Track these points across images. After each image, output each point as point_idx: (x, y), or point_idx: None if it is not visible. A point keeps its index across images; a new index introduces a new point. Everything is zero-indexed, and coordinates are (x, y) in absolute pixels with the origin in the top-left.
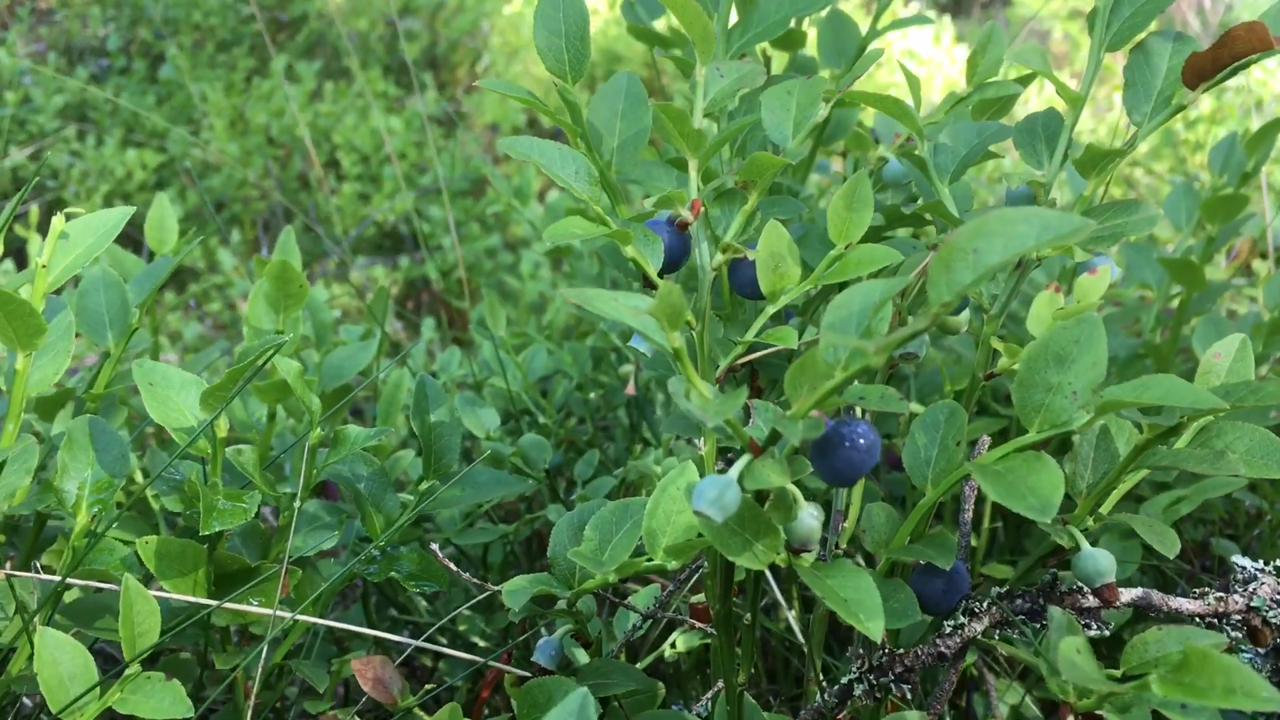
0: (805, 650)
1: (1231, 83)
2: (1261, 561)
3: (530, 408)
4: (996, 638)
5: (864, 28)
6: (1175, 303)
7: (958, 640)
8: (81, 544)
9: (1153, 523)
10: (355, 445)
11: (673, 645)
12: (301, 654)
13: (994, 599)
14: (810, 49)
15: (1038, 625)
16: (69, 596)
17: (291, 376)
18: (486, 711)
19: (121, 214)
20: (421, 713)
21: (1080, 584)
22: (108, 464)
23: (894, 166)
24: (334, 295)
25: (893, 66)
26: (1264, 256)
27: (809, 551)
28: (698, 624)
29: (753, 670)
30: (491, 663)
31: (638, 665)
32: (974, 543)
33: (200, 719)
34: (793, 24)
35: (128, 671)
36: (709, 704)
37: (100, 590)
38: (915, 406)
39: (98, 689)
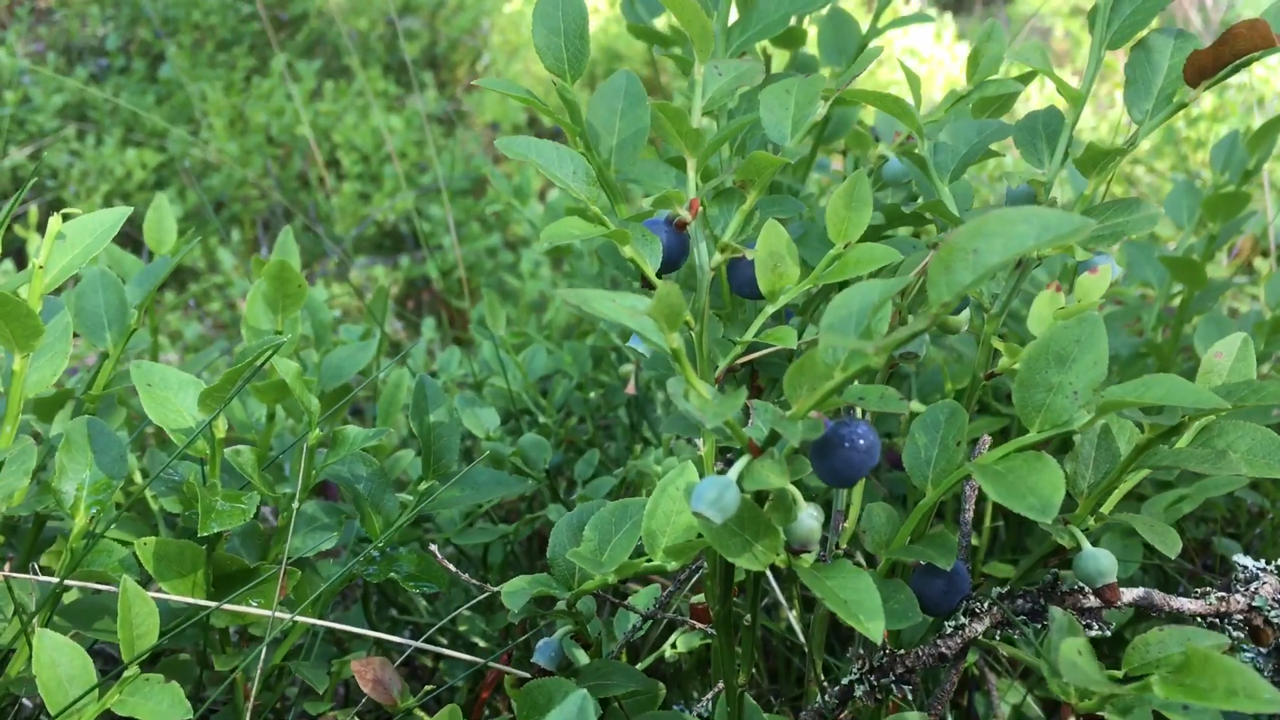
0: (806, 650)
1: (1233, 80)
2: (1263, 561)
3: (530, 407)
4: (998, 638)
5: (865, 26)
6: (1177, 301)
7: (959, 641)
8: (80, 545)
9: (1154, 522)
10: (354, 446)
11: (673, 645)
12: (301, 655)
13: (995, 599)
14: (811, 47)
15: (1039, 625)
16: (68, 598)
17: (290, 377)
18: (487, 712)
19: (118, 214)
20: (422, 713)
21: (1081, 584)
22: (106, 465)
23: (894, 165)
24: (334, 295)
25: (894, 64)
26: (1266, 254)
27: (809, 552)
28: (698, 624)
29: (754, 670)
30: (491, 664)
31: (638, 666)
32: (975, 541)
33: None
34: (793, 22)
35: (126, 673)
36: (709, 704)
37: (99, 592)
38: (916, 406)
39: (96, 691)
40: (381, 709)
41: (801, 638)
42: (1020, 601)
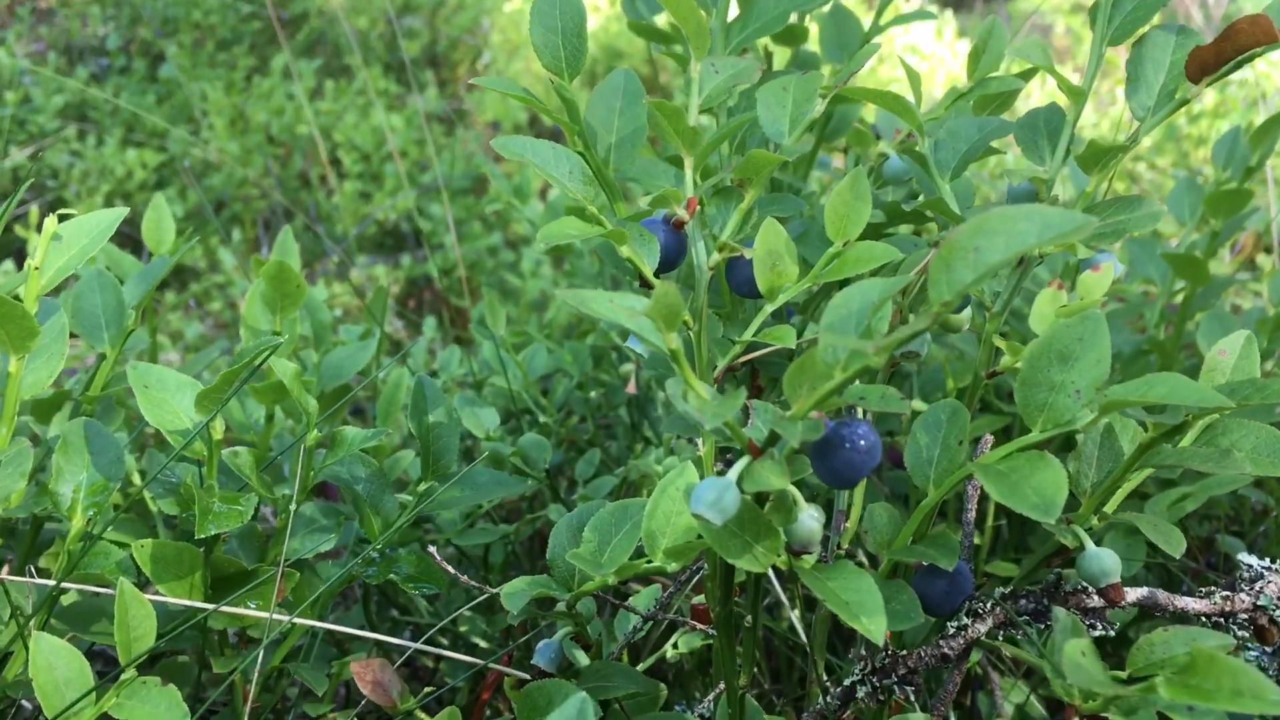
0: (808, 650)
1: (1234, 76)
2: (1268, 559)
3: (531, 407)
4: (1001, 639)
5: (867, 23)
6: (1179, 298)
7: (961, 641)
8: (77, 547)
9: (1158, 522)
10: (353, 446)
11: (674, 646)
12: (301, 656)
13: (998, 600)
14: (813, 44)
15: (1042, 626)
16: (65, 600)
17: (288, 377)
18: (487, 713)
19: (115, 215)
20: (422, 714)
21: (1085, 584)
22: (103, 467)
23: (895, 163)
24: (334, 294)
25: (895, 62)
26: (1268, 251)
27: (810, 553)
28: (699, 625)
29: (756, 671)
30: (492, 665)
31: (639, 667)
32: (977, 541)
33: None
34: (793, 19)
35: (124, 676)
36: (711, 705)
37: (97, 594)
38: (917, 405)
39: (93, 694)
40: (382, 710)
41: (803, 638)
42: (1023, 602)
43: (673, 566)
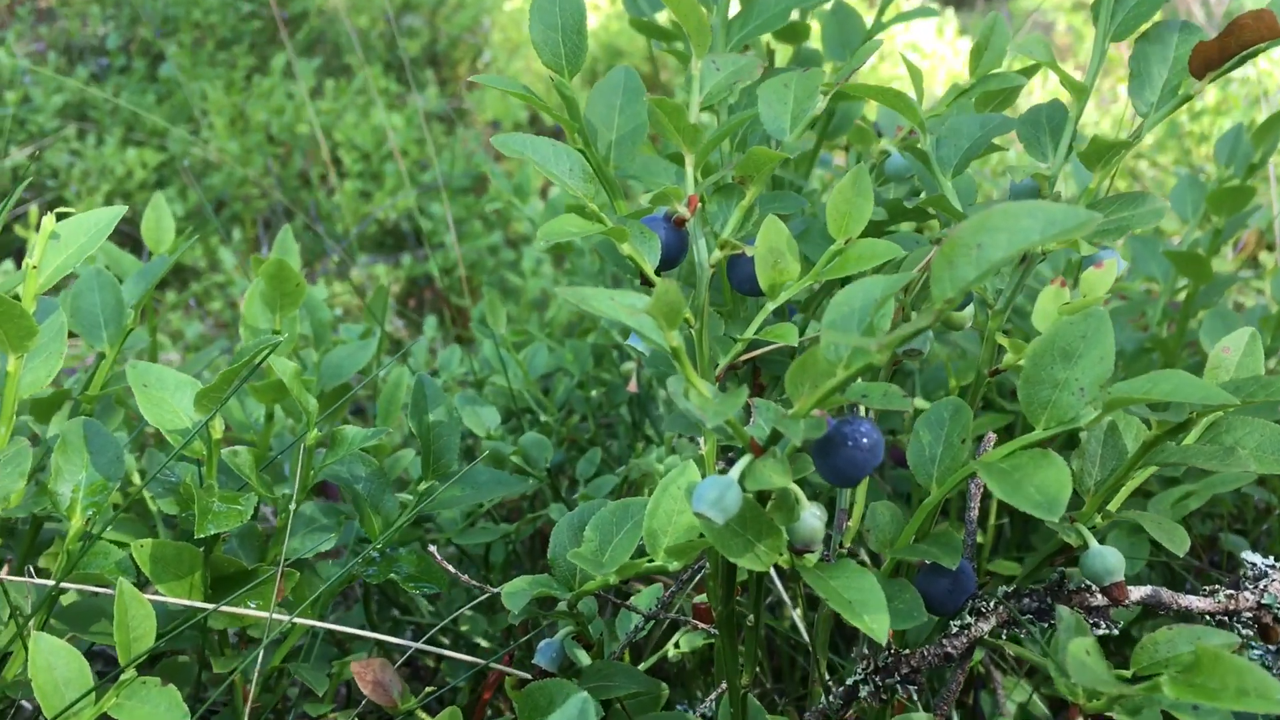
0: (811, 650)
1: (1236, 73)
2: (1272, 558)
3: (531, 406)
4: (1004, 638)
5: (868, 20)
6: (1182, 296)
7: (964, 640)
8: (77, 547)
9: (1162, 520)
10: (353, 445)
11: (676, 646)
12: (302, 656)
13: (1001, 598)
14: (815, 41)
15: (1046, 624)
16: (65, 600)
17: (287, 376)
18: (489, 713)
19: (113, 214)
20: (423, 714)
21: (1089, 582)
22: (102, 466)
23: (896, 160)
24: (335, 293)
25: (896, 60)
26: (1271, 248)
27: (812, 552)
28: (701, 624)
29: (758, 670)
30: (493, 665)
31: (641, 666)
32: (980, 539)
33: None
34: (795, 16)
35: (123, 676)
36: (713, 705)
37: (97, 594)
38: (920, 403)
39: (93, 694)
40: (383, 710)
41: (806, 637)
42: (1027, 600)
43: (674, 565)
